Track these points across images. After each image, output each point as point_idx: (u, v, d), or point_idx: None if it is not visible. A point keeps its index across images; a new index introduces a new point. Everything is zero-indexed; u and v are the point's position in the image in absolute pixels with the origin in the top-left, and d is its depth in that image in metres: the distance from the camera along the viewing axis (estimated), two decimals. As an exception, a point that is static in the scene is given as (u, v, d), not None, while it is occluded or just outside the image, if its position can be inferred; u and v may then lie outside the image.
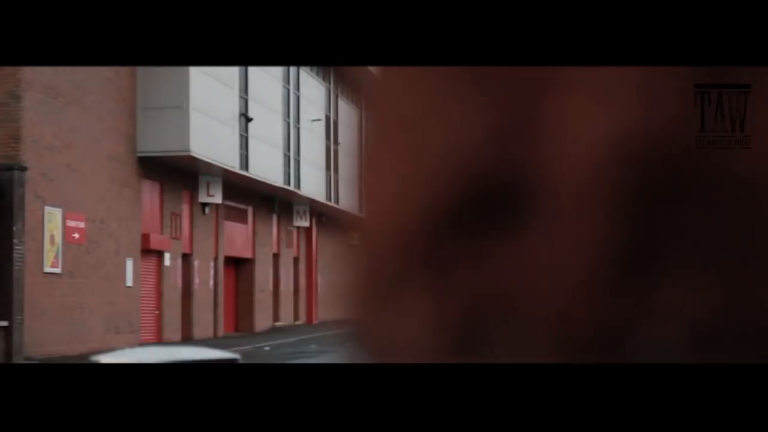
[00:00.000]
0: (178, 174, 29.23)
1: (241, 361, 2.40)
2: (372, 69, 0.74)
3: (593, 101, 0.66)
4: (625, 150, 0.65)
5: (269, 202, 37.04)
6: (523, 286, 0.65)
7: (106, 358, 2.32)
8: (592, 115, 0.65)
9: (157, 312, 28.42)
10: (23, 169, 21.45)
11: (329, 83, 41.92)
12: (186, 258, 30.31)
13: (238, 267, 35.23)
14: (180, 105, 26.89)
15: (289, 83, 36.39)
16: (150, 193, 28.11)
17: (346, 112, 44.02)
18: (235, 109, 30.46)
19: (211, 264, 32.01)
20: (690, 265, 0.64)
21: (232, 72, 30.11)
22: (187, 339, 29.56)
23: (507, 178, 0.65)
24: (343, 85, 43.85)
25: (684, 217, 0.64)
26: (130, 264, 26.66)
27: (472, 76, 0.68)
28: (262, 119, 32.82)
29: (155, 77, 26.73)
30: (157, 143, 26.99)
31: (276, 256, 38.39)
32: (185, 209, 30.20)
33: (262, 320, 36.20)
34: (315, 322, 41.77)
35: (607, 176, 0.64)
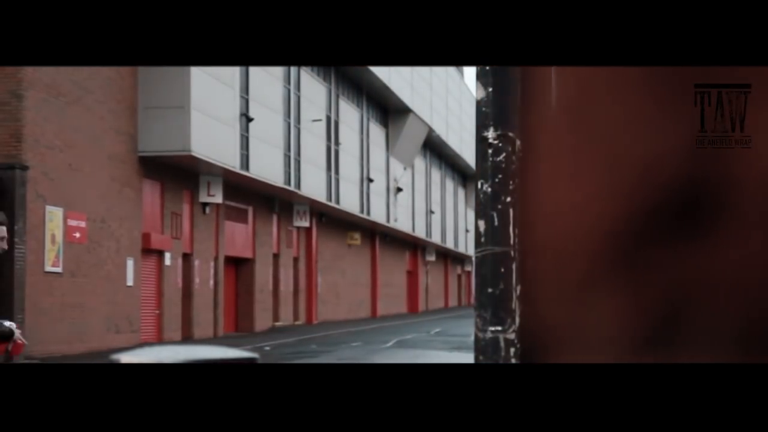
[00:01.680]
0: (178, 174, 29.24)
1: (259, 361, 2.39)
2: (570, 75, 0.73)
3: None
4: None
5: (269, 202, 37.05)
6: (712, 286, 0.66)
7: (126, 357, 2.32)
8: None
9: (157, 311, 28.42)
10: (24, 168, 21.45)
11: (329, 83, 41.91)
12: (186, 258, 30.33)
13: (238, 267, 35.24)
14: (181, 105, 26.90)
15: (289, 83, 36.40)
16: (151, 192, 28.11)
17: (348, 112, 44.03)
18: (235, 109, 30.46)
19: (212, 264, 32.02)
20: None
21: (233, 72, 30.12)
22: (187, 338, 29.57)
23: (701, 183, 0.66)
24: (343, 85, 43.86)
25: None
26: (130, 263, 26.67)
27: (671, 81, 0.68)
28: (263, 119, 32.83)
29: (156, 77, 26.75)
30: (158, 143, 27.01)
31: (276, 256, 38.40)
32: (186, 209, 30.21)
33: (262, 320, 36.20)
34: (315, 322, 41.78)
35: None
